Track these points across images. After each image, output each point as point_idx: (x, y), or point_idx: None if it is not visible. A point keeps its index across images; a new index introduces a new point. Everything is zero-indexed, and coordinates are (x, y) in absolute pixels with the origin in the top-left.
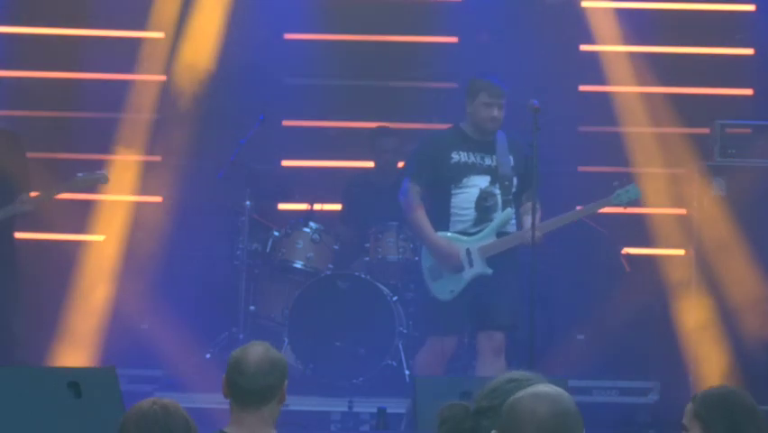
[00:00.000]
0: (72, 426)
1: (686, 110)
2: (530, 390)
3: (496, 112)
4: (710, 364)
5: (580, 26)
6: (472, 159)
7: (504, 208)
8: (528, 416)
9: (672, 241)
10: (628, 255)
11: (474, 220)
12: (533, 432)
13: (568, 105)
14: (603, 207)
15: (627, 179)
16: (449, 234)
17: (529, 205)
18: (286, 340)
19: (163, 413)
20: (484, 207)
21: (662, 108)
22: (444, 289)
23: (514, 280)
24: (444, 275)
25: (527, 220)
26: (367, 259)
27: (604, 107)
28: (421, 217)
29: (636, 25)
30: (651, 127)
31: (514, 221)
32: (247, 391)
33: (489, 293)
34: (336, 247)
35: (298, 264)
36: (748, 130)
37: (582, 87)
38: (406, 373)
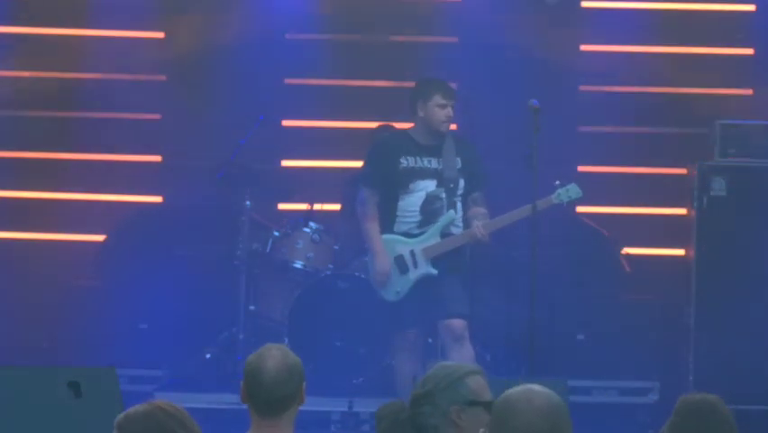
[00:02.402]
0: (72, 426)
1: (686, 110)
2: (522, 386)
3: (449, 112)
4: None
5: (580, 26)
6: (419, 163)
7: (448, 210)
8: (524, 405)
9: (671, 241)
10: (628, 255)
11: (419, 222)
12: (532, 420)
13: (568, 105)
14: (545, 205)
15: (569, 178)
16: (394, 236)
17: (479, 209)
18: (286, 340)
19: (163, 414)
20: (430, 210)
21: (663, 109)
22: (391, 290)
23: (461, 275)
24: (391, 277)
25: (475, 222)
26: (367, 259)
27: (604, 107)
28: (373, 230)
29: (636, 25)
30: (651, 127)
31: (460, 222)
32: (266, 400)
33: (438, 287)
34: (336, 247)
35: (298, 264)
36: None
37: (582, 87)
38: None
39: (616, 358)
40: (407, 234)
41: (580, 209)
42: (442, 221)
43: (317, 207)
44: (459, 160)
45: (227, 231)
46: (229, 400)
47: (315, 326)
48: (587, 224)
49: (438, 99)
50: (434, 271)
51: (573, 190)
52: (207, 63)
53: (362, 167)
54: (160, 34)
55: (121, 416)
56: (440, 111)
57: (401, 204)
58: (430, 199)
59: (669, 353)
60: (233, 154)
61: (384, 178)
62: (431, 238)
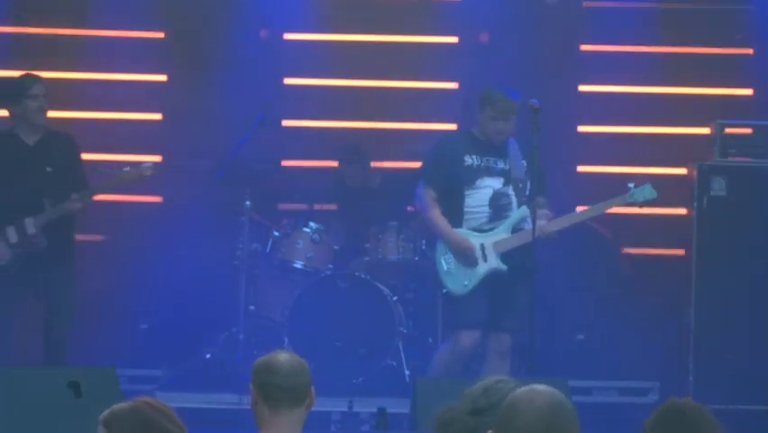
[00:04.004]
0: (72, 426)
1: (686, 110)
2: (527, 387)
3: (501, 125)
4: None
5: (580, 26)
6: (485, 163)
7: (519, 207)
8: (526, 405)
9: (671, 241)
10: (628, 255)
11: (489, 217)
12: (531, 420)
13: (568, 105)
14: (618, 205)
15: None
16: (463, 230)
17: (542, 212)
18: (286, 340)
19: (150, 409)
20: (498, 205)
21: (663, 109)
22: (459, 282)
23: (526, 281)
24: (459, 269)
25: (539, 222)
26: (367, 259)
27: (604, 107)
28: (436, 215)
29: (636, 25)
30: (651, 127)
31: (530, 219)
32: (284, 389)
33: (503, 293)
34: (336, 247)
35: (298, 264)
36: (748, 130)
37: (582, 87)
38: (407, 373)
39: (616, 358)
40: (477, 230)
41: (581, 209)
42: (515, 216)
43: (317, 207)
44: (524, 162)
45: (227, 231)
46: (229, 401)
47: (315, 326)
48: (587, 224)
49: (489, 112)
50: (504, 267)
51: (648, 191)
52: (207, 63)
53: (423, 164)
54: (160, 34)
55: (106, 412)
56: (491, 123)
57: (468, 201)
58: (497, 195)
59: (669, 353)
60: (232, 154)
61: (447, 175)
62: (502, 233)
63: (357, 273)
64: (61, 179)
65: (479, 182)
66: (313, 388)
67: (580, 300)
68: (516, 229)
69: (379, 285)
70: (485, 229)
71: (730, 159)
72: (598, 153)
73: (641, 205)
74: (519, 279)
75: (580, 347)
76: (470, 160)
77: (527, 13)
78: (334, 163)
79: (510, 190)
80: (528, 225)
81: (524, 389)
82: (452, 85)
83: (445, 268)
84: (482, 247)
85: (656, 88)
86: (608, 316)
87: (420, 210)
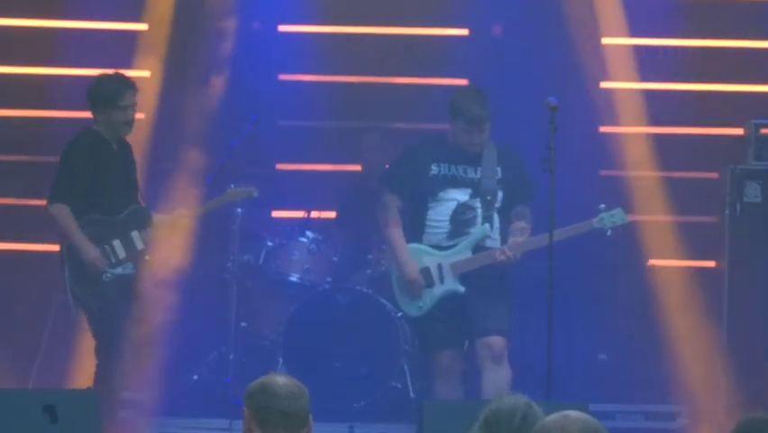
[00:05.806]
0: None
1: (718, 109)
2: (558, 413)
3: (475, 137)
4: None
5: (601, 18)
6: (453, 171)
7: (483, 223)
8: (558, 432)
9: (701, 252)
10: (654, 267)
11: (449, 233)
12: None
13: (588, 103)
14: (585, 230)
15: (614, 203)
16: (422, 246)
17: (519, 223)
18: (280, 360)
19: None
20: (461, 220)
21: (692, 107)
22: (413, 305)
23: (498, 288)
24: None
25: (515, 237)
26: (369, 271)
27: (628, 106)
28: (395, 235)
29: (665, 17)
30: (679, 127)
31: (497, 236)
32: (283, 413)
33: (473, 302)
34: (335, 259)
35: (294, 277)
36: None
37: (604, 84)
38: (412, 396)
39: (641, 380)
40: (437, 247)
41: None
42: (475, 235)
43: (315, 214)
44: (499, 170)
45: (216, 241)
46: (218, 426)
47: (312, 344)
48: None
49: (461, 123)
50: (462, 289)
51: (618, 216)
52: (194, 58)
53: (388, 169)
54: (144, 26)
55: None
56: (463, 135)
57: (430, 213)
58: (461, 209)
59: (698, 374)
60: (222, 158)
61: (412, 184)
62: (461, 253)
63: (358, 287)
64: (137, 188)
65: (442, 194)
66: (311, 418)
67: (601, 316)
68: (477, 248)
69: (383, 300)
70: (444, 246)
71: (765, 162)
72: (622, 156)
73: (609, 230)
74: (488, 286)
75: (602, 368)
76: (436, 169)
77: (544, 4)
78: (333, 165)
79: (477, 203)
80: (493, 243)
81: (556, 415)
82: (462, 82)
83: (399, 290)
84: (439, 268)
85: (685, 85)
86: (632, 333)
87: (380, 222)
